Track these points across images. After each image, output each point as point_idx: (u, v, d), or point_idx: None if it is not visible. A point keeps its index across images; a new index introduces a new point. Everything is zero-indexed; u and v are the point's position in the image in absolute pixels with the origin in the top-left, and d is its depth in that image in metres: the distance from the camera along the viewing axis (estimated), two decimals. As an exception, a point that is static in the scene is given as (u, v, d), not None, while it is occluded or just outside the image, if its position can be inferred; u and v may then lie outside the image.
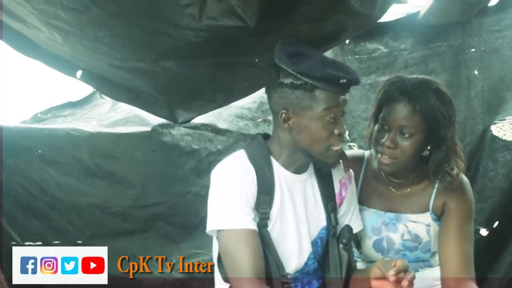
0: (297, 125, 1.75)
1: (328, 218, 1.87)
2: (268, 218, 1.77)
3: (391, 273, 1.68)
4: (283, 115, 1.75)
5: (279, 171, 1.82)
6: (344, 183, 1.95)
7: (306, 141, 1.76)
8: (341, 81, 1.71)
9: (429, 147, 2.01)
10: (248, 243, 1.71)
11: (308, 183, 1.87)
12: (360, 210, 2.06)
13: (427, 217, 2.06)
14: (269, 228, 1.77)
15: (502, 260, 3.16)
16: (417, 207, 2.07)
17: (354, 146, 3.27)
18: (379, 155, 1.99)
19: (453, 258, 1.98)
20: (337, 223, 1.88)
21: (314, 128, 1.74)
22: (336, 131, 1.75)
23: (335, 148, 1.77)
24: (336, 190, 1.92)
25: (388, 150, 1.95)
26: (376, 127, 2.02)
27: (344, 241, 1.85)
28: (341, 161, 1.95)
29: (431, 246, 2.07)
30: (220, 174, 1.79)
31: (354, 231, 1.92)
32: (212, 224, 1.76)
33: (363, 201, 2.10)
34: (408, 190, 2.08)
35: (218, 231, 1.75)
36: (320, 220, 1.87)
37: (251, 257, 1.70)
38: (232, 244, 1.72)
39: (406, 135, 1.94)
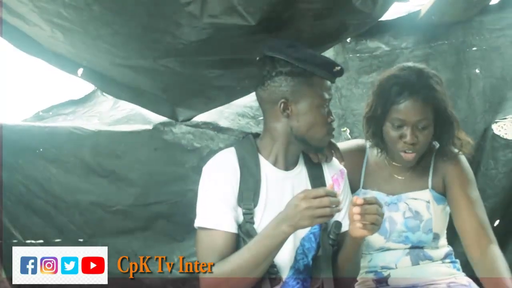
0: (297, 112, 1.80)
1: None
2: (252, 214, 1.78)
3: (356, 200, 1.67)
4: (282, 104, 1.79)
5: (266, 168, 1.84)
6: (337, 179, 1.96)
7: (305, 127, 1.81)
8: (336, 68, 1.80)
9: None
10: (216, 244, 1.74)
11: (298, 178, 1.89)
12: (364, 194, 2.12)
13: (426, 194, 2.14)
14: (255, 225, 1.78)
15: (503, 259, 3.15)
16: (416, 185, 2.16)
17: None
18: (401, 153, 2.07)
19: (468, 225, 2.05)
20: None
21: (314, 114, 1.80)
22: (329, 119, 1.83)
23: (330, 134, 1.86)
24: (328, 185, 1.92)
25: (412, 146, 2.04)
26: (385, 127, 2.07)
27: (331, 236, 1.83)
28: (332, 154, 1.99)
29: (432, 225, 2.11)
30: (204, 171, 1.83)
31: (344, 229, 1.85)
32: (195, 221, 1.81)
33: (367, 185, 2.17)
34: (409, 172, 2.17)
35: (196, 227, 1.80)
36: None
37: (215, 258, 1.72)
38: (199, 243, 1.78)
39: (423, 128, 2.04)
